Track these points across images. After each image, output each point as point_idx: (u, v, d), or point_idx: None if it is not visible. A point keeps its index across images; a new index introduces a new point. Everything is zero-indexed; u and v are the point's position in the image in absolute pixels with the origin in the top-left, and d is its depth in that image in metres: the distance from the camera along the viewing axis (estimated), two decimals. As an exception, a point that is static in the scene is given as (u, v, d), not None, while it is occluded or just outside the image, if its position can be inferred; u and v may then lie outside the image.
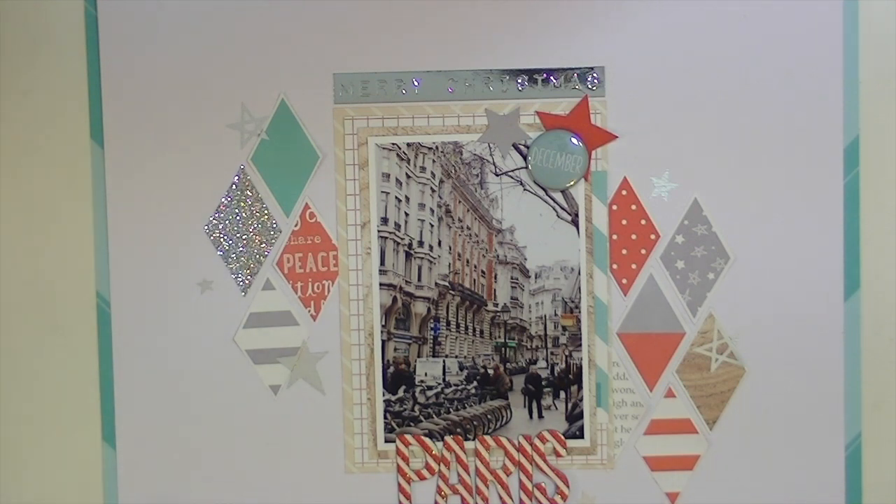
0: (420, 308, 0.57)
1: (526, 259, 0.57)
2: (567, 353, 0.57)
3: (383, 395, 0.57)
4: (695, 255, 0.56)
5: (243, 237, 0.56)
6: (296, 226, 0.57)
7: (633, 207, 0.56)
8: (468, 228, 0.57)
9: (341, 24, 0.56)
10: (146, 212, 0.56)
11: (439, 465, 0.57)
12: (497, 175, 0.56)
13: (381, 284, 0.57)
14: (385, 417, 0.57)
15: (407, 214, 0.57)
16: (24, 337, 0.56)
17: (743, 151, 0.55)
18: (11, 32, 0.56)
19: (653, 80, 0.55)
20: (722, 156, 0.56)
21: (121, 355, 0.56)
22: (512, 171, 0.56)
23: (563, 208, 0.56)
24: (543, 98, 0.56)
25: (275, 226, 0.57)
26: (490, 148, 0.56)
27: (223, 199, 0.56)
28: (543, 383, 0.57)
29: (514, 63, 0.56)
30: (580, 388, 0.57)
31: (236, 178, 0.56)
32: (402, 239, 0.57)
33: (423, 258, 0.57)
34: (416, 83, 0.56)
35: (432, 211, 0.57)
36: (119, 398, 0.56)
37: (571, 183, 0.56)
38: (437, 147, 0.56)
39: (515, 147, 0.56)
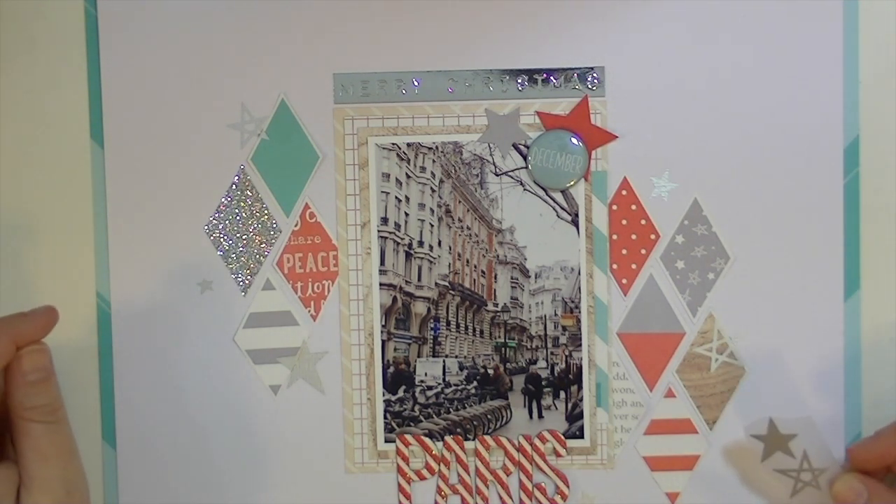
0: (420, 308, 0.57)
1: (526, 259, 0.57)
2: (567, 353, 0.57)
3: (383, 395, 0.57)
4: (695, 255, 0.56)
5: (243, 237, 0.56)
6: (296, 226, 0.57)
7: (633, 207, 0.56)
8: (468, 228, 0.57)
9: (341, 24, 0.56)
10: (146, 212, 0.56)
11: (439, 465, 0.57)
12: (497, 175, 0.56)
13: (381, 284, 0.56)
14: (385, 417, 0.57)
15: (407, 214, 0.57)
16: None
17: (743, 151, 0.55)
18: (11, 32, 0.56)
19: (653, 80, 0.55)
20: (722, 156, 0.56)
21: (121, 355, 0.56)
22: (512, 171, 0.56)
23: (563, 208, 0.56)
24: (543, 98, 0.56)
25: (275, 226, 0.57)
26: (490, 148, 0.56)
27: (223, 199, 0.56)
28: (543, 383, 0.57)
29: (514, 63, 0.56)
30: (580, 388, 0.57)
31: (236, 178, 0.56)
32: (402, 239, 0.57)
33: (423, 258, 0.57)
34: (416, 83, 0.56)
35: (432, 211, 0.57)
36: (119, 398, 0.56)
37: (571, 183, 0.56)
38: (437, 147, 0.56)
39: (515, 147, 0.56)
